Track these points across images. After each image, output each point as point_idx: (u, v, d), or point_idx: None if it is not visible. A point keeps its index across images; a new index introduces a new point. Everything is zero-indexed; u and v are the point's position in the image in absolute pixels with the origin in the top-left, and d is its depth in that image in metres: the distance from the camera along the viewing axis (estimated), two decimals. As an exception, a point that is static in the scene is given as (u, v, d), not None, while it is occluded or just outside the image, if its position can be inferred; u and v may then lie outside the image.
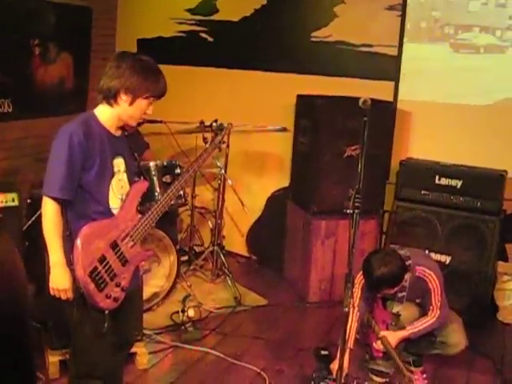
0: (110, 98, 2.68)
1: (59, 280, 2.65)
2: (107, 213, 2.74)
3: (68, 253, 2.64)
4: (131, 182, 2.88)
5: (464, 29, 5.08)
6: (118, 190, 2.79)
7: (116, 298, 2.73)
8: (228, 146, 5.22)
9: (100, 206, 2.72)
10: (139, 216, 2.83)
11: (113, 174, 2.76)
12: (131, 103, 2.68)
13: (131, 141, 2.94)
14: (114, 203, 2.77)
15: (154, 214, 2.85)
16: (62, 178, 2.59)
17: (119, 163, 2.80)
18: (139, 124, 3.01)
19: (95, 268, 2.63)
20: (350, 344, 3.72)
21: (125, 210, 2.78)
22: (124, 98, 2.67)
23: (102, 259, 2.66)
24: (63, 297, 2.68)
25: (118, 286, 2.73)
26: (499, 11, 4.93)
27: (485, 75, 5.06)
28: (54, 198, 2.62)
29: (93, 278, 2.62)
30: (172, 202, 2.99)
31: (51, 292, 2.69)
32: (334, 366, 3.70)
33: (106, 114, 2.73)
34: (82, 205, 2.69)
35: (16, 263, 1.05)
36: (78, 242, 2.60)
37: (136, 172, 3.04)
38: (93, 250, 2.63)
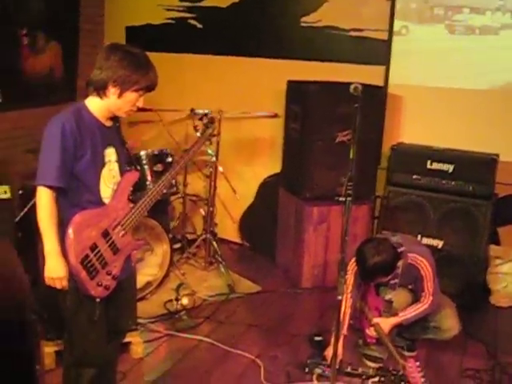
0: (99, 90, 2.67)
1: (54, 269, 2.64)
2: (98, 202, 2.74)
3: (61, 241, 2.64)
4: (122, 172, 2.87)
5: (454, 10, 5.05)
6: (110, 179, 2.79)
7: (107, 286, 2.73)
8: (219, 133, 5.20)
9: (92, 196, 2.72)
10: (130, 205, 2.84)
11: (104, 164, 2.76)
12: (120, 96, 2.67)
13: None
14: (105, 193, 2.77)
15: (145, 204, 2.86)
16: (57, 167, 2.59)
17: (110, 153, 2.80)
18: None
19: (86, 256, 2.64)
20: (344, 330, 3.74)
21: (116, 200, 2.79)
22: (112, 91, 2.66)
23: (94, 247, 2.67)
24: (58, 286, 2.67)
25: (109, 274, 2.74)
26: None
27: (479, 58, 5.02)
28: (49, 187, 2.61)
29: (84, 265, 2.63)
30: (164, 192, 3.00)
31: (46, 281, 2.69)
32: (328, 352, 3.72)
33: (96, 105, 2.72)
34: (74, 194, 2.69)
35: (17, 272, 1.04)
36: (70, 230, 2.60)
37: (127, 162, 3.04)
38: (84, 238, 2.64)
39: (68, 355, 2.96)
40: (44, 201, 2.62)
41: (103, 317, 2.79)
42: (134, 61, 2.66)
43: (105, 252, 2.71)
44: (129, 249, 2.85)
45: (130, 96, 2.69)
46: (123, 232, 2.78)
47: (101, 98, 2.70)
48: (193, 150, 3.21)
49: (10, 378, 0.95)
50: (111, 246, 2.74)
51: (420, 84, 5.21)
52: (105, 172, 2.76)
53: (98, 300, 2.71)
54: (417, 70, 5.22)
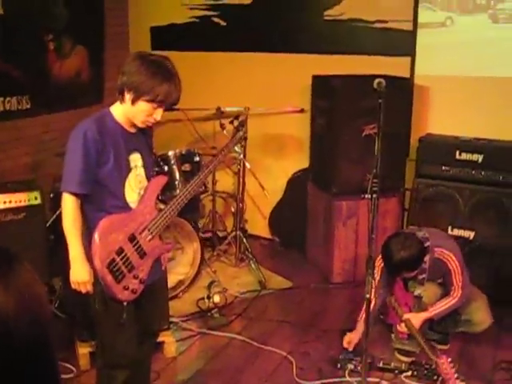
0: (119, 94, 2.70)
1: (78, 273, 2.69)
2: (124, 207, 2.77)
3: (87, 247, 2.68)
4: (149, 177, 2.89)
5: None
6: (136, 184, 2.81)
7: (134, 290, 2.77)
8: (246, 129, 5.20)
9: (117, 201, 2.75)
10: (158, 209, 2.86)
11: (129, 170, 2.78)
12: (133, 103, 2.65)
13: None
14: (132, 198, 2.80)
15: (172, 209, 2.88)
16: (79, 173, 2.63)
17: (136, 159, 2.82)
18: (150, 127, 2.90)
19: (113, 260, 2.67)
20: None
21: (143, 204, 2.81)
22: (127, 96, 2.66)
23: (120, 251, 2.70)
24: (83, 290, 2.72)
25: (136, 278, 2.77)
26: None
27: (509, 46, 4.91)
28: (73, 193, 2.66)
29: (110, 269, 2.66)
30: (191, 196, 3.01)
31: (72, 286, 2.74)
32: (350, 338, 3.86)
33: (119, 111, 2.74)
34: (99, 199, 2.73)
35: (39, 296, 1.06)
36: (96, 234, 2.64)
37: (154, 165, 3.05)
38: (110, 243, 2.67)
39: (100, 358, 3.01)
40: (68, 207, 2.67)
41: (132, 319, 2.82)
42: (151, 69, 2.62)
43: (131, 256, 2.74)
44: (156, 252, 2.87)
45: (143, 106, 2.65)
46: (150, 236, 2.81)
47: (121, 102, 2.72)
48: (222, 154, 3.21)
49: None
50: (138, 250, 2.77)
51: (447, 74, 5.13)
52: (131, 177, 2.79)
53: (125, 304, 2.75)
54: (446, 60, 5.10)
